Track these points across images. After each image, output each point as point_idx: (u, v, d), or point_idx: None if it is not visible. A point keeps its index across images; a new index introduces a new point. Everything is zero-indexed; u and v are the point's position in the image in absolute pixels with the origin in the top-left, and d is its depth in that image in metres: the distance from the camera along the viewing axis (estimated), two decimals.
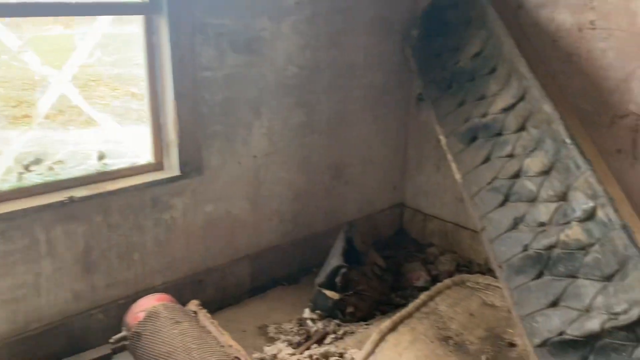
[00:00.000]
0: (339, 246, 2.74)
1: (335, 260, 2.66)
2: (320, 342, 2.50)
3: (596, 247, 2.05)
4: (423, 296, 2.63)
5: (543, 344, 2.08)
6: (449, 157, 2.69)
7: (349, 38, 3.00)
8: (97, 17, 2.25)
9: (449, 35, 2.86)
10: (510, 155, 2.43)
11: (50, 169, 2.30)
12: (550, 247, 2.18)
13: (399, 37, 3.20)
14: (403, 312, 2.52)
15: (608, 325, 1.93)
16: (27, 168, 2.23)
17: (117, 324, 2.29)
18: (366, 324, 2.57)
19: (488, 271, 2.90)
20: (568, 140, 2.18)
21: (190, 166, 2.57)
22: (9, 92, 2.18)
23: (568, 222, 2.15)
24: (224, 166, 2.69)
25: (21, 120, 2.21)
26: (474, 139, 2.60)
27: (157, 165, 2.58)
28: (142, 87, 2.49)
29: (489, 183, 2.47)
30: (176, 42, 2.38)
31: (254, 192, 2.84)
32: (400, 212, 3.60)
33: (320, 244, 3.09)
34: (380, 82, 3.24)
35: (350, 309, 2.61)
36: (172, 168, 2.56)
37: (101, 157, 2.43)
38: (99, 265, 2.40)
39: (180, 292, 2.62)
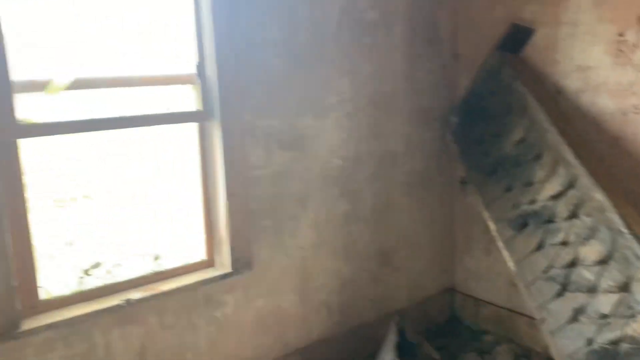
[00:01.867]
0: (390, 339, 2.68)
1: (388, 355, 2.59)
2: None
3: None
4: None
5: None
6: (500, 243, 2.66)
7: (390, 128, 3.08)
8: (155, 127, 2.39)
9: (490, 122, 2.91)
10: (564, 243, 2.38)
11: (108, 272, 2.38)
12: (617, 342, 2.09)
13: (439, 124, 3.27)
14: None
15: None
16: (87, 272, 2.32)
17: None
18: None
19: None
20: (625, 230, 2.13)
21: (241, 262, 2.61)
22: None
23: (633, 315, 2.06)
24: (273, 260, 2.73)
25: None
26: (524, 225, 2.58)
27: (209, 262, 2.64)
28: (195, 187, 2.60)
29: (545, 272, 2.41)
30: (228, 145, 2.49)
31: (301, 284, 2.85)
32: (451, 298, 3.52)
33: (370, 334, 3.02)
34: (423, 168, 3.28)
35: None
36: (224, 265, 2.61)
37: (156, 257, 2.50)
38: None
39: None
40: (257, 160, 2.62)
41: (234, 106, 2.50)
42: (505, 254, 2.61)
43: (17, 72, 2.00)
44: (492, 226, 2.71)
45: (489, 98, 2.95)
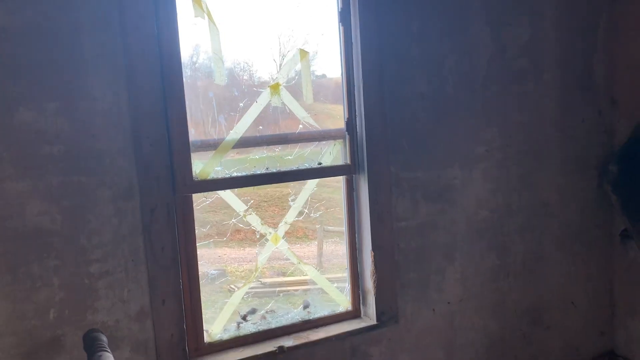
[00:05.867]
0: None
1: None
2: None
3: None
4: None
5: None
6: None
7: (541, 178, 2.93)
8: (307, 180, 2.50)
9: None
10: None
11: (263, 317, 2.49)
12: None
13: (595, 173, 3.04)
14: None
15: None
16: (244, 318, 2.44)
17: None
18: None
19: None
20: None
21: (387, 315, 2.59)
22: (238, 252, 2.48)
23: None
24: (418, 314, 2.67)
25: (245, 275, 2.48)
26: None
27: (355, 313, 2.65)
28: (341, 240, 2.66)
29: None
30: (375, 198, 2.53)
31: (448, 340, 2.75)
32: None
33: None
34: (578, 220, 3.05)
35: None
36: (370, 317, 2.61)
37: (306, 306, 2.57)
38: None
39: None
40: (403, 212, 2.62)
41: (380, 159, 2.54)
42: None
43: (193, 134, 2.22)
44: None
45: None
